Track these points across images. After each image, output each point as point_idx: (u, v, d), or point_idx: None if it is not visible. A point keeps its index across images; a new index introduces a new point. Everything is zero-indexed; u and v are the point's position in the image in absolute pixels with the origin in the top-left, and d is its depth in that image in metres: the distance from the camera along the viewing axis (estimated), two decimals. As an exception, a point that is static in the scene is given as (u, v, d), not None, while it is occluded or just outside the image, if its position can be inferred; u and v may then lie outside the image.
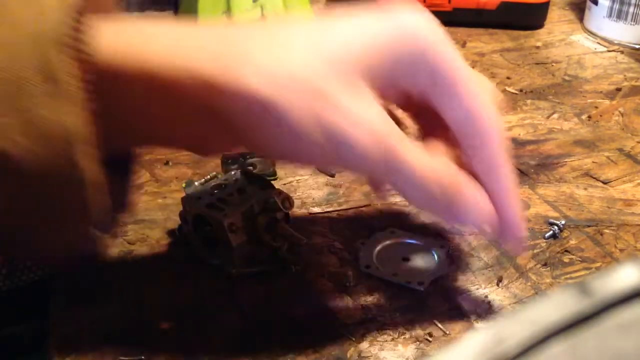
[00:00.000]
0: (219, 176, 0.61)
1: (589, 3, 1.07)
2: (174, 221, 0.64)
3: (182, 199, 0.58)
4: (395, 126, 0.44)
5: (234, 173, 0.60)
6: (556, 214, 0.65)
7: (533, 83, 0.92)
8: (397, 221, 0.64)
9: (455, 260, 0.59)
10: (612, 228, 0.63)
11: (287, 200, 0.56)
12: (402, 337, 0.51)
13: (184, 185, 0.62)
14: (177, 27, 0.44)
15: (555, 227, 0.62)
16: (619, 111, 0.85)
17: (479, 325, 0.52)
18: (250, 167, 0.68)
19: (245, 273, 0.57)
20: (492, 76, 0.94)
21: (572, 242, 0.61)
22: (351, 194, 0.68)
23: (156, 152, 0.76)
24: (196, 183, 0.61)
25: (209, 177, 0.63)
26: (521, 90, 0.90)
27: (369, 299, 0.55)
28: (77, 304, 0.54)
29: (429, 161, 0.45)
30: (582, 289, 0.19)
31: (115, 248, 0.61)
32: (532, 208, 0.66)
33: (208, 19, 1.04)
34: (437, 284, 0.56)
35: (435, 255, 0.59)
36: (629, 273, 0.19)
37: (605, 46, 1.03)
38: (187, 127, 0.46)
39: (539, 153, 0.75)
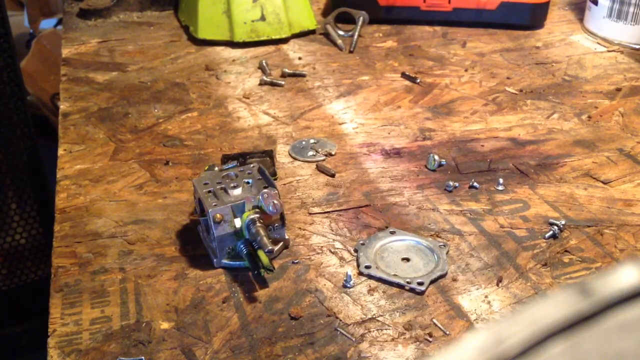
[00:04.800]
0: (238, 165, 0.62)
1: (589, 3, 1.07)
2: (174, 221, 0.64)
3: (193, 181, 0.60)
4: None
5: (253, 166, 0.61)
6: (556, 214, 0.65)
7: (533, 83, 0.92)
8: (397, 221, 0.64)
9: (455, 260, 0.59)
10: (612, 228, 0.63)
11: (273, 203, 0.56)
12: (402, 337, 0.51)
13: (206, 168, 0.63)
14: None
15: (555, 227, 0.62)
16: (619, 111, 0.84)
17: (479, 325, 0.52)
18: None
19: (226, 265, 0.58)
20: (492, 76, 0.94)
21: (572, 242, 0.61)
22: (351, 194, 0.68)
23: (156, 152, 0.76)
24: (216, 168, 0.62)
25: (230, 165, 0.63)
26: (521, 90, 0.90)
27: (369, 299, 0.55)
28: (77, 304, 0.54)
29: None
30: (582, 289, 0.19)
31: (115, 248, 0.61)
32: (532, 208, 0.66)
33: (208, 19, 1.04)
34: (437, 284, 0.56)
35: (435, 255, 0.59)
36: (629, 273, 0.19)
37: (605, 46, 1.03)
38: None
39: (539, 153, 0.75)
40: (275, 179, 0.70)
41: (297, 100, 0.87)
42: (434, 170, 0.72)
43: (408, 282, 0.56)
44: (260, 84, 0.91)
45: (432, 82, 0.92)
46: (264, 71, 0.94)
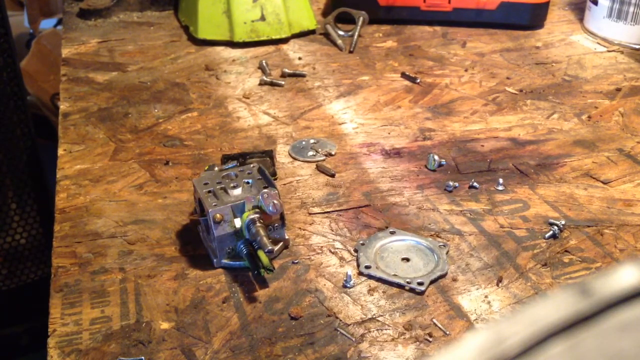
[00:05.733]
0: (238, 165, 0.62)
1: (589, 3, 1.07)
2: (174, 221, 0.64)
3: (193, 181, 0.60)
4: None
5: (253, 166, 0.61)
6: (556, 214, 0.65)
7: (533, 83, 0.92)
8: (397, 221, 0.64)
9: (455, 260, 0.59)
10: (612, 228, 0.63)
11: (273, 203, 0.56)
12: (402, 337, 0.51)
13: (206, 168, 0.63)
14: None
15: (555, 227, 0.62)
16: (619, 111, 0.84)
17: (479, 325, 0.52)
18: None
19: (226, 265, 0.58)
20: (492, 76, 0.94)
21: (572, 242, 0.61)
22: (351, 194, 0.68)
23: (156, 152, 0.76)
24: (216, 168, 0.62)
25: (230, 165, 0.63)
26: (521, 90, 0.90)
27: (369, 299, 0.55)
28: (77, 304, 0.54)
29: None
30: (582, 289, 0.19)
31: (115, 248, 0.61)
32: (532, 208, 0.66)
33: (208, 19, 1.04)
34: (437, 284, 0.56)
35: (435, 255, 0.59)
36: (629, 273, 0.19)
37: (605, 46, 1.03)
38: None
39: (539, 153, 0.75)
40: (275, 179, 0.70)
41: (297, 100, 0.87)
42: (434, 170, 0.72)
43: (408, 282, 0.56)
44: (260, 84, 0.91)
45: (432, 82, 0.92)
46: (264, 71, 0.94)
